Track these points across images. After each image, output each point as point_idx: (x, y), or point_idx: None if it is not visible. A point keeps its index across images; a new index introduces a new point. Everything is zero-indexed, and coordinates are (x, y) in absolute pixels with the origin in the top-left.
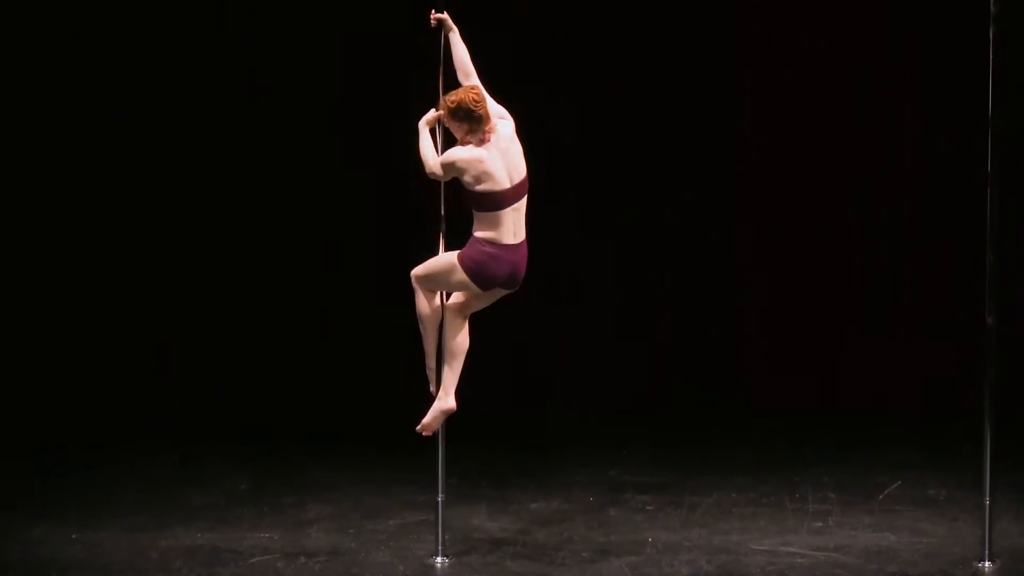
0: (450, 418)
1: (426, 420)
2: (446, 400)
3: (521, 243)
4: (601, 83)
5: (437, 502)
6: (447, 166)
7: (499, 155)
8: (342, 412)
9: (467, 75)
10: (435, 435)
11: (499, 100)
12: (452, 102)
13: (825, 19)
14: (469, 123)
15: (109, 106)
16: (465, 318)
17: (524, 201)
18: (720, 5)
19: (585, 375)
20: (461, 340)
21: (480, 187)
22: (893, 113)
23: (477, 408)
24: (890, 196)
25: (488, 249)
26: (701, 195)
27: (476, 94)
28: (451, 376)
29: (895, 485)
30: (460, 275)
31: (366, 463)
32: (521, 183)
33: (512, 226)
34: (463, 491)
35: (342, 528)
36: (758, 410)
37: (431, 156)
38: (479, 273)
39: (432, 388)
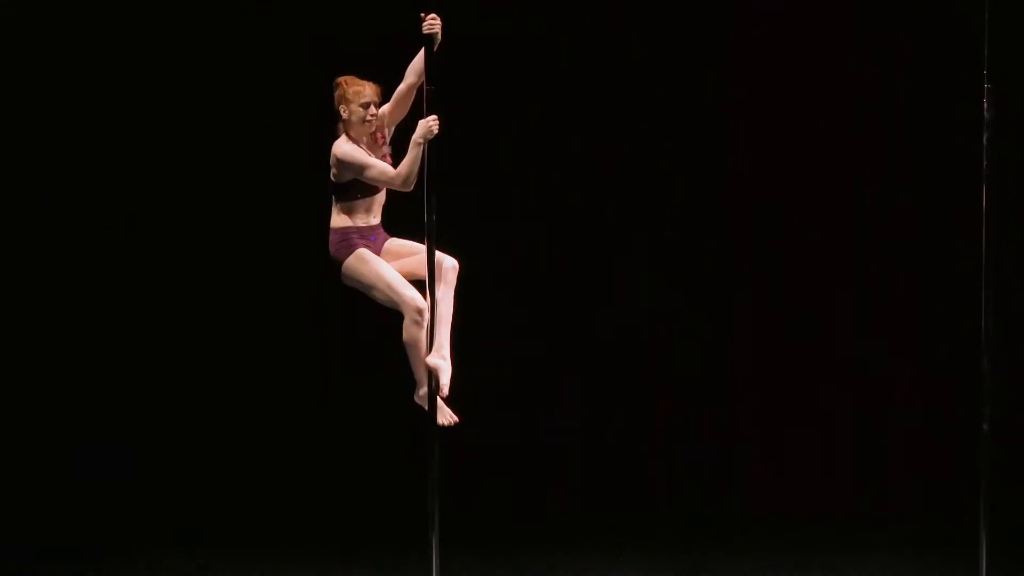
0: (444, 522)
1: (444, 381)
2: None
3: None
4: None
5: None
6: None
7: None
8: (336, 514)
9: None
10: (429, 538)
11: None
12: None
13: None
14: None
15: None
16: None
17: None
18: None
19: (580, 479)
20: (445, 306)
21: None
22: (887, 206)
23: (472, 511)
24: (884, 298)
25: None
26: (694, 296)
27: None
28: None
29: None
30: (360, 269)
31: (360, 566)
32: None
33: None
34: None
35: None
36: (754, 515)
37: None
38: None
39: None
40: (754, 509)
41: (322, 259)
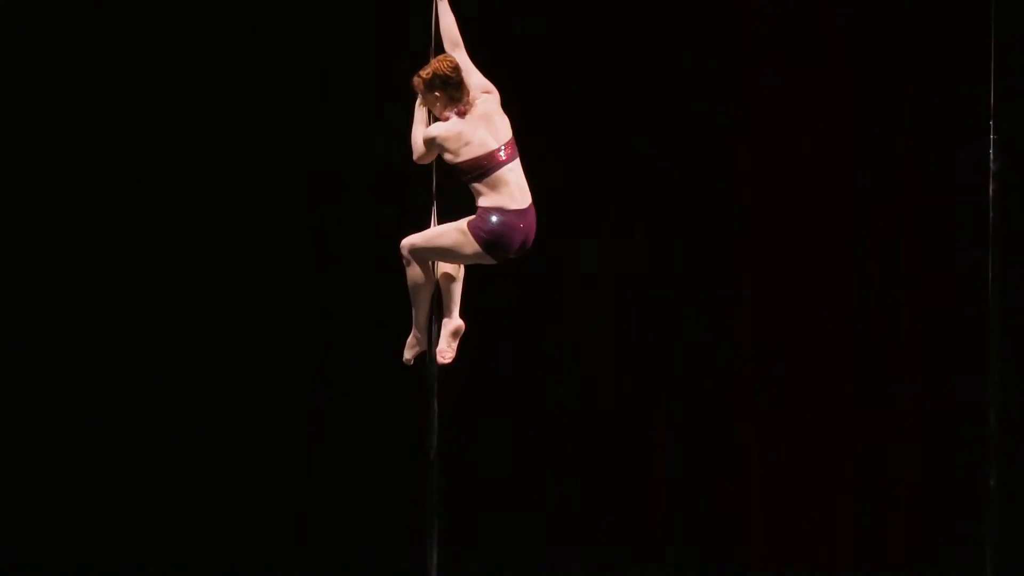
0: (441, 561)
1: (442, 346)
2: (454, 322)
3: (528, 207)
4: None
5: None
6: (427, 142)
7: (479, 123)
8: (331, 531)
9: (455, 45)
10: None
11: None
12: (426, 73)
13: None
14: (445, 92)
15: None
16: None
17: (518, 163)
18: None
19: (574, 517)
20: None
21: (463, 159)
22: (889, 246)
23: (466, 548)
24: (886, 351)
25: (498, 217)
26: (695, 340)
27: (451, 61)
28: (455, 299)
29: None
30: (472, 247)
31: None
32: (509, 143)
33: (514, 188)
34: None
35: None
36: (753, 562)
37: (416, 138)
38: (493, 243)
39: (408, 355)
40: (752, 554)
41: (320, 263)
